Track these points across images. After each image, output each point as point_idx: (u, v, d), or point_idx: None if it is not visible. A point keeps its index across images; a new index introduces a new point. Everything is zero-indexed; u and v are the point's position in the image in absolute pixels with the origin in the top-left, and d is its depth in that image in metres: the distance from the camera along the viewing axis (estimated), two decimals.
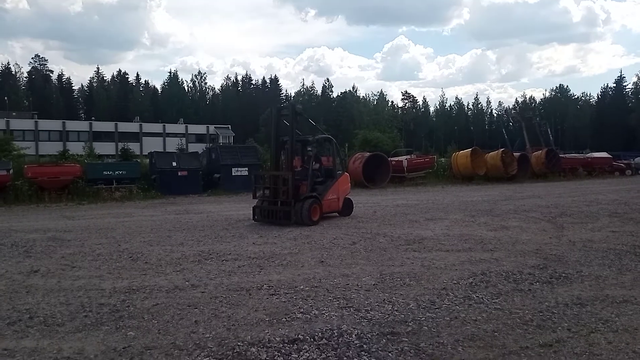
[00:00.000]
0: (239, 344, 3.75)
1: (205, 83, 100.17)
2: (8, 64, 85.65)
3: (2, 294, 5.21)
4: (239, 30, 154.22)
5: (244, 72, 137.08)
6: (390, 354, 3.58)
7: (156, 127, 64.30)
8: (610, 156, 32.69)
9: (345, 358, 3.52)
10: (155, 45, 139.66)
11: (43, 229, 9.65)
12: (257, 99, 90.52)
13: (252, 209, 10.62)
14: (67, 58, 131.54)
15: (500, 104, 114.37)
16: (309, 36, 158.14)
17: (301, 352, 3.59)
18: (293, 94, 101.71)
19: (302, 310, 4.54)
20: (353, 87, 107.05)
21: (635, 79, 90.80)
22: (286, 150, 10.53)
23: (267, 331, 4.01)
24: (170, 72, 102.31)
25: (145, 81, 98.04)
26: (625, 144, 66.44)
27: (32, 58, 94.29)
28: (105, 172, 17.50)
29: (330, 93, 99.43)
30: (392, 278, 5.66)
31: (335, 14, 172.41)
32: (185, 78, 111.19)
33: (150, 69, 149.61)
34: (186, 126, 66.22)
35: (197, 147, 40.18)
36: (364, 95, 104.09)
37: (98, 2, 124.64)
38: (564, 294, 5.05)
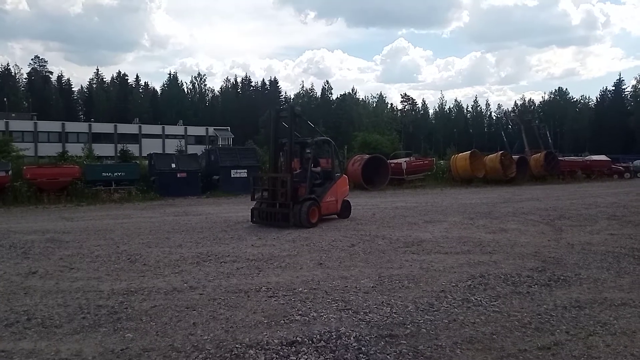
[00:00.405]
0: (237, 346, 3.74)
1: (205, 85, 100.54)
2: (8, 65, 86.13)
3: (0, 295, 5.20)
4: (239, 32, 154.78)
5: (243, 74, 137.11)
6: (388, 357, 3.57)
7: (155, 129, 64.31)
8: (609, 159, 32.75)
9: None
10: (155, 47, 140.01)
11: (42, 230, 9.64)
12: (257, 101, 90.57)
13: (250, 211, 10.61)
14: (67, 59, 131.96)
15: (499, 106, 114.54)
16: (309, 38, 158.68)
17: (299, 355, 3.59)
18: (292, 96, 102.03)
19: (300, 312, 4.54)
20: (352, 90, 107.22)
21: (634, 82, 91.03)
22: (285, 152, 10.52)
23: (265, 333, 4.00)
24: (169, 74, 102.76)
25: (145, 83, 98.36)
26: (624, 147, 66.56)
27: (32, 59, 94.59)
28: (104, 174, 17.48)
29: (330, 95, 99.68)
30: (390, 280, 5.65)
31: (335, 16, 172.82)
32: (185, 80, 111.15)
33: (149, 71, 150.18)
34: (185, 128, 66.23)
35: (197, 149, 40.14)
36: (364, 97, 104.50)
37: (98, 3, 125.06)
38: (563, 296, 5.05)
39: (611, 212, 12.27)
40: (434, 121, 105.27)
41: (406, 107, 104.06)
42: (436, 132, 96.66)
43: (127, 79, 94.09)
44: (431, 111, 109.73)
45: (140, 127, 63.30)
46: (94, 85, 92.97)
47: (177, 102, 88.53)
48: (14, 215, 12.80)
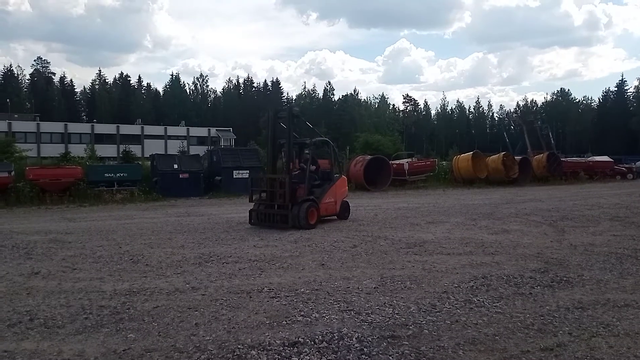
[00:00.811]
0: (239, 346, 3.74)
1: (207, 86, 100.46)
2: (10, 66, 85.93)
3: (2, 295, 5.21)
4: (241, 33, 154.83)
5: (245, 75, 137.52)
6: (391, 358, 3.57)
7: (158, 130, 64.41)
8: (611, 160, 32.67)
9: None
10: (157, 48, 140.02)
11: (44, 231, 9.66)
12: (259, 102, 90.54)
13: (248, 212, 10.57)
14: (70, 60, 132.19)
15: (501, 107, 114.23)
16: (311, 39, 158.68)
17: (301, 355, 3.59)
18: (294, 97, 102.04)
19: (302, 313, 4.53)
20: (354, 90, 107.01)
21: (636, 83, 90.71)
22: (283, 153, 10.48)
23: (267, 334, 4.00)
24: (172, 75, 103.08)
25: (147, 84, 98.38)
26: (626, 148, 66.41)
27: (35, 60, 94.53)
28: (106, 175, 17.50)
29: (332, 96, 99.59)
30: (393, 281, 5.65)
31: (337, 17, 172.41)
32: (187, 81, 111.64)
33: (152, 72, 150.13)
34: (188, 129, 66.25)
35: (199, 150, 40.30)
36: (365, 98, 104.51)
37: (100, 4, 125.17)
38: (565, 297, 5.03)
39: (614, 213, 12.24)
40: (436, 122, 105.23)
41: (408, 108, 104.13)
42: (438, 133, 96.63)
43: (130, 80, 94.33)
44: (433, 112, 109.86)
45: (142, 128, 63.44)
46: (97, 87, 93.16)
47: (180, 103, 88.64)
48: (16, 215, 12.84)
